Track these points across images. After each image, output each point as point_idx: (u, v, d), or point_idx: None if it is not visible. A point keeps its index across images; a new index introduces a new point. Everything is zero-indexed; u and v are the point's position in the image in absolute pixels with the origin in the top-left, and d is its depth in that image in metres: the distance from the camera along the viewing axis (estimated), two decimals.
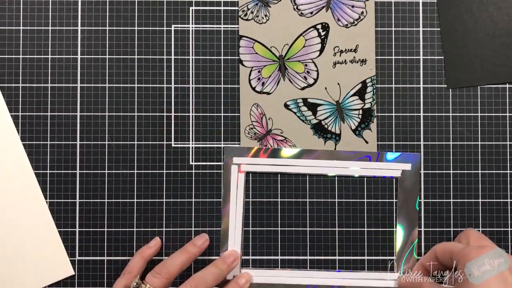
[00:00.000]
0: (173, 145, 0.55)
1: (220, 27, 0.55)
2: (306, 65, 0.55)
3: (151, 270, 0.50)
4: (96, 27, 0.55)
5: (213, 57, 0.55)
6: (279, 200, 0.55)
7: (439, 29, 0.55)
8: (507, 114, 0.55)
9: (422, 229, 0.54)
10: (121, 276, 0.51)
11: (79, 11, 0.55)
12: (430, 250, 0.51)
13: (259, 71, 0.55)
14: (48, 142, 0.54)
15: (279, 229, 0.55)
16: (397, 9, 0.55)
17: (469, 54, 0.54)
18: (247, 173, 0.55)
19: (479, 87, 0.55)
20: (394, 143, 0.54)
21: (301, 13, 0.55)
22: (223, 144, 0.55)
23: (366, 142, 0.55)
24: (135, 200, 0.54)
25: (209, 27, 0.55)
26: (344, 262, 0.54)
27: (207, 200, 0.54)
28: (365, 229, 0.54)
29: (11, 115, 0.54)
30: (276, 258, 0.55)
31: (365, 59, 0.55)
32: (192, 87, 0.55)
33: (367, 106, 0.55)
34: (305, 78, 0.55)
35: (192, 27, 0.55)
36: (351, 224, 0.54)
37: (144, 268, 0.52)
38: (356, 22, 0.55)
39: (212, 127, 0.55)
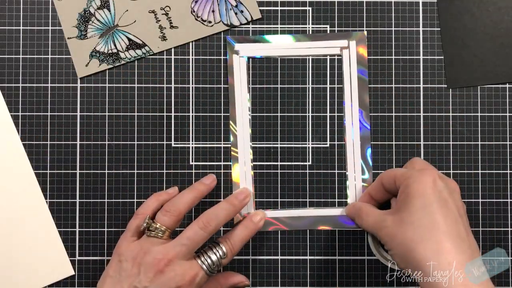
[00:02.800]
0: (173, 145, 0.55)
1: None
2: None
3: None
4: None
5: (213, 57, 0.55)
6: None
7: (439, 29, 0.55)
8: (507, 114, 0.55)
9: None
10: (133, 217, 0.50)
11: None
12: (376, 179, 0.52)
13: None
14: (48, 142, 0.54)
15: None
16: (397, 9, 0.55)
17: (469, 54, 0.54)
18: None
19: (479, 87, 0.55)
20: (394, 143, 0.54)
21: None
22: (223, 144, 0.55)
23: None
24: (135, 200, 0.54)
25: None
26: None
27: (207, 200, 0.54)
28: None
29: (11, 115, 0.54)
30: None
31: None
32: (192, 87, 0.55)
33: None
34: None
35: None
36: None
37: (157, 210, 0.50)
38: None
39: (212, 127, 0.55)
